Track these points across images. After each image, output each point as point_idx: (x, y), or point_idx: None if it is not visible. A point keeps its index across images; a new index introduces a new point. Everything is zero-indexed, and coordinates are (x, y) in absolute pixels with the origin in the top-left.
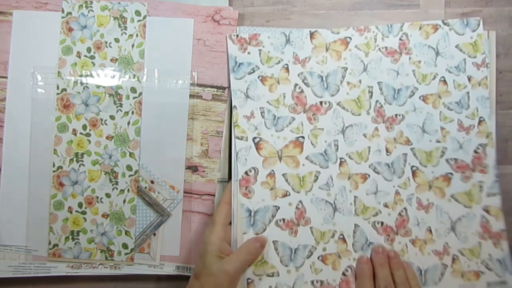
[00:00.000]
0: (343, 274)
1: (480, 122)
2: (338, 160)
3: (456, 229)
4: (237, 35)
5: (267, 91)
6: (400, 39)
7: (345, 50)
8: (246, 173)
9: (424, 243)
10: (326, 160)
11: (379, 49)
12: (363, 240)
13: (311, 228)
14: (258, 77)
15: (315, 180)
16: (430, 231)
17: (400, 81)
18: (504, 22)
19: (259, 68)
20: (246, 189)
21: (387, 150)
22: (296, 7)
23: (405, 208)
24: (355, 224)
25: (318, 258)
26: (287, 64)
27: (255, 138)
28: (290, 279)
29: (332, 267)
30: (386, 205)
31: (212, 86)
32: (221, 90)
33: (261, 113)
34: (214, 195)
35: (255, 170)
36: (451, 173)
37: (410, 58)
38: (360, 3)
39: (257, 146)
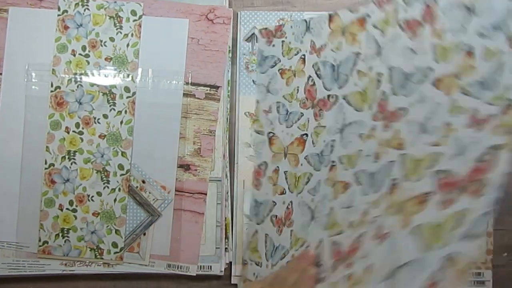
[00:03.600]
0: None
1: (508, 107)
2: (330, 164)
3: (396, 277)
4: (265, 28)
5: (284, 85)
6: (427, 4)
7: (361, 31)
8: (259, 166)
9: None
10: (320, 162)
11: (399, 24)
12: (322, 256)
13: (291, 231)
14: (279, 70)
15: (307, 183)
16: (370, 270)
17: (414, 63)
18: None
19: (280, 61)
20: (257, 180)
21: (376, 156)
22: (296, 7)
23: (365, 232)
24: (319, 239)
25: (286, 263)
26: (304, 55)
27: (269, 132)
28: (266, 273)
29: None
30: (351, 225)
31: (205, 85)
32: (214, 89)
33: (277, 107)
34: (206, 194)
35: (265, 164)
36: (432, 192)
37: (433, 29)
38: (361, 3)
39: (270, 141)
